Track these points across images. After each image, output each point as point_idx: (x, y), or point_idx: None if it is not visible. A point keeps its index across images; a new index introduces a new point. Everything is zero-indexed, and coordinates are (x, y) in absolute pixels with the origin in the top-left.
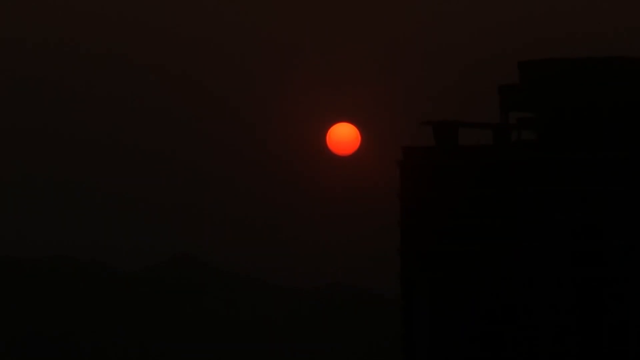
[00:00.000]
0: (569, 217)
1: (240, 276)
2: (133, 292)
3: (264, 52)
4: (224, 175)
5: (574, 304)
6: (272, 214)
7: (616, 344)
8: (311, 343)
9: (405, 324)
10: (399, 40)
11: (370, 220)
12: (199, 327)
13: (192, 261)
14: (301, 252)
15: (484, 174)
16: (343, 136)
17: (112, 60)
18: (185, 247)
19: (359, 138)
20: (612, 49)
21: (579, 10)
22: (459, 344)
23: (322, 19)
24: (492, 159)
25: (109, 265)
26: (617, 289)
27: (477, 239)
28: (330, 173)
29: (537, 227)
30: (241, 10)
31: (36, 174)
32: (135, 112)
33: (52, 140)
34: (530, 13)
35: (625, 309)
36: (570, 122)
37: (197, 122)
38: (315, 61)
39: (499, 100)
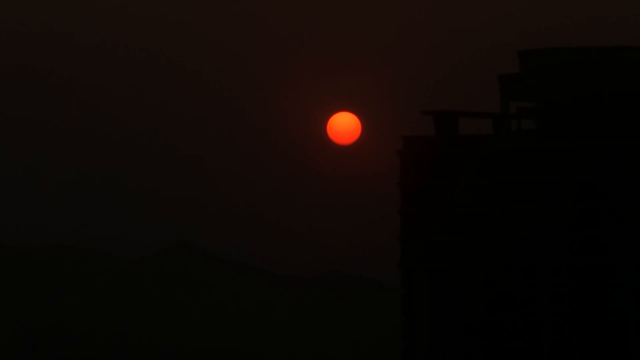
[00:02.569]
0: (569, 206)
1: (240, 264)
2: (133, 281)
3: (264, 41)
4: (224, 164)
5: (573, 292)
6: (272, 202)
7: (616, 332)
8: (311, 331)
9: (405, 312)
10: (400, 30)
11: (371, 209)
12: (199, 315)
13: (192, 250)
14: (302, 240)
15: (484, 163)
16: (343, 125)
17: (109, 51)
18: (185, 236)
19: (360, 127)
20: (613, 38)
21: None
22: (458, 332)
23: (323, 8)
24: (492, 148)
25: (108, 254)
26: (617, 278)
27: (477, 228)
28: (331, 162)
29: (537, 216)
30: None
31: (33, 163)
32: (133, 104)
33: (54, 130)
34: (532, 1)
35: (625, 298)
36: (571, 111)
37: (197, 112)
38: (316, 50)
39: (499, 90)
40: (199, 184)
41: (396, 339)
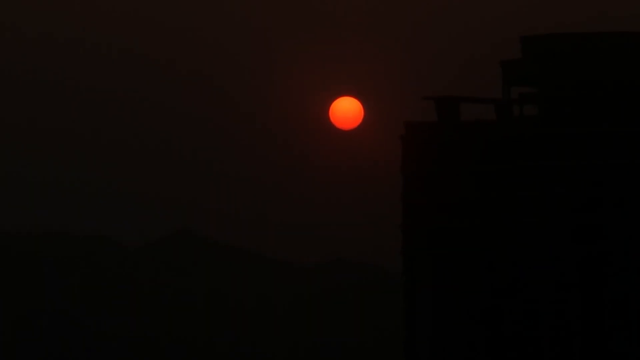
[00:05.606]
0: (571, 191)
1: (242, 252)
2: (134, 268)
3: (265, 26)
4: (227, 150)
5: (575, 279)
6: (274, 188)
7: (617, 318)
8: (314, 318)
9: (407, 299)
10: (402, 15)
11: (372, 195)
12: (199, 306)
13: (194, 237)
14: (304, 227)
15: (486, 149)
16: (346, 110)
17: (109, 53)
18: (188, 222)
19: (362, 112)
20: (617, 26)
21: None
22: (460, 320)
23: None
24: (494, 134)
25: (109, 241)
26: (619, 264)
27: (479, 214)
28: (333, 147)
29: (539, 202)
30: None
31: (34, 152)
32: (136, 104)
33: (59, 125)
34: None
35: (626, 284)
36: (573, 97)
37: (197, 100)
38: (318, 35)
39: (501, 75)
40: (200, 170)
41: (399, 325)
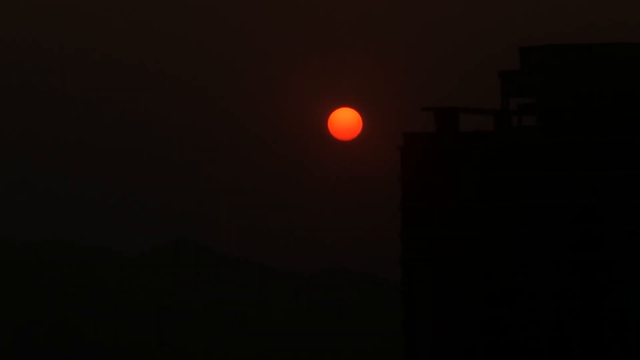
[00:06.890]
0: (570, 201)
1: (242, 261)
2: (133, 277)
3: (264, 37)
4: (226, 160)
5: (574, 288)
6: (273, 198)
7: (616, 328)
8: (313, 327)
9: (407, 307)
10: (401, 26)
11: (371, 205)
12: (198, 316)
13: (194, 246)
14: (303, 236)
15: (485, 159)
16: (345, 121)
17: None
18: (188, 232)
19: (361, 123)
20: (615, 36)
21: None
22: (459, 328)
23: (323, 3)
24: (492, 145)
25: (109, 249)
26: (617, 273)
27: (478, 224)
28: (332, 158)
29: (538, 211)
30: None
31: (34, 160)
32: (136, 113)
33: (58, 134)
34: (534, 9)
35: (625, 293)
36: (571, 107)
37: (197, 110)
38: (317, 45)
39: (500, 86)
40: (199, 179)
41: (398, 333)
